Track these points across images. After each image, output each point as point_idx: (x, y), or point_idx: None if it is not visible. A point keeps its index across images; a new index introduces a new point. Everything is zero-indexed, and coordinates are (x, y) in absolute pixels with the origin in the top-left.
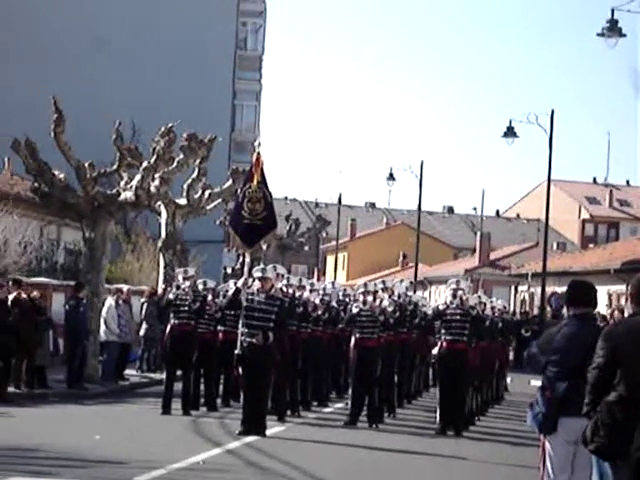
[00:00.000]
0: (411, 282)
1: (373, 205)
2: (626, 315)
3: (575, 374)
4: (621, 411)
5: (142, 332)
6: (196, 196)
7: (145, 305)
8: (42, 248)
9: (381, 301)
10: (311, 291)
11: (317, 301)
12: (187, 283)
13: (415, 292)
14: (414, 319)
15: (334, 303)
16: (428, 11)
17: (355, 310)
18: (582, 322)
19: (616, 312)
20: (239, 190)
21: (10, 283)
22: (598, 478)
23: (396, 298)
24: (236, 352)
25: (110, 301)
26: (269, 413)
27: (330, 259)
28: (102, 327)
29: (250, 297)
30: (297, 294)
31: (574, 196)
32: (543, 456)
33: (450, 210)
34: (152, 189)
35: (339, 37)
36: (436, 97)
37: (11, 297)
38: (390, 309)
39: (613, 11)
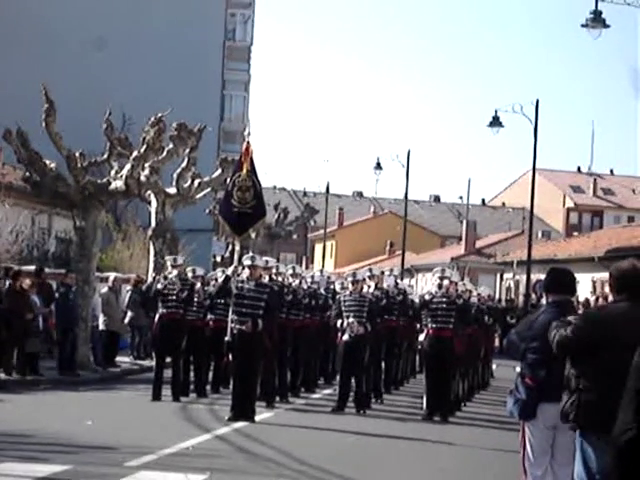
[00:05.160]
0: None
1: (360, 194)
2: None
3: (553, 360)
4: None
5: (127, 320)
6: (186, 185)
7: (129, 293)
8: (33, 237)
9: (368, 287)
10: (293, 275)
11: (304, 286)
12: (175, 272)
13: (402, 280)
14: (405, 308)
15: (322, 291)
16: (415, 2)
17: (343, 300)
18: (560, 309)
19: (600, 299)
20: (229, 179)
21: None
22: (582, 462)
23: (385, 287)
24: (226, 339)
25: (105, 289)
26: (258, 399)
27: (318, 247)
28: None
29: (240, 285)
30: (288, 281)
31: (559, 185)
32: (523, 441)
33: (436, 199)
34: (142, 178)
35: (326, 28)
36: (423, 87)
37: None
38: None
39: (597, 2)
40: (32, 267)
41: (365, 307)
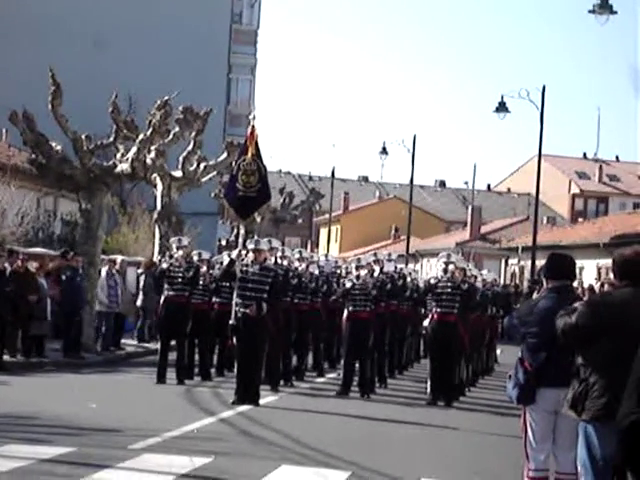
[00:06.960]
0: (400, 255)
1: (366, 179)
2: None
3: (553, 345)
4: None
5: (139, 303)
6: (191, 168)
7: (143, 276)
8: (39, 219)
9: (372, 272)
10: (299, 259)
11: (315, 272)
12: (180, 252)
13: (407, 265)
14: (404, 292)
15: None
16: None
17: (348, 285)
18: (560, 294)
19: (606, 285)
20: (234, 163)
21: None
22: (585, 448)
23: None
24: (230, 323)
25: (102, 272)
26: (262, 383)
27: (323, 232)
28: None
29: (244, 268)
30: (294, 266)
31: (564, 171)
32: (525, 426)
33: (442, 184)
34: (148, 161)
35: (333, 12)
36: (429, 72)
37: (9, 267)
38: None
39: None
40: (38, 249)
41: (370, 295)
